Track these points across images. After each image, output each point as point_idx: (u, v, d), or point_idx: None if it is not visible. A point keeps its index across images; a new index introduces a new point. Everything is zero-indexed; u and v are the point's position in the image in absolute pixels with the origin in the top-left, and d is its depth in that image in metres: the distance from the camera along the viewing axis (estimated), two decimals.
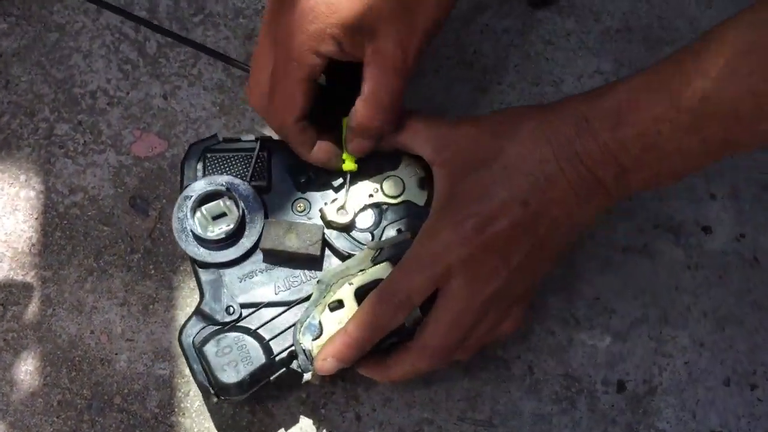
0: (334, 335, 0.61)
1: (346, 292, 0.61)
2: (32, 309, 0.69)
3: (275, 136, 0.66)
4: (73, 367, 0.68)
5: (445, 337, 0.60)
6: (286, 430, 0.67)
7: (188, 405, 0.68)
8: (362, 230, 0.64)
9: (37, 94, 0.74)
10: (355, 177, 0.64)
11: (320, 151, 0.63)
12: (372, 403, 0.68)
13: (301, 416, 0.68)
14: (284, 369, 0.62)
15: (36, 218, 0.71)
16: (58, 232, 0.71)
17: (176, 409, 0.67)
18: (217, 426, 0.67)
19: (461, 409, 0.68)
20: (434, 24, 0.59)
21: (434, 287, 0.59)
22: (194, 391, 0.68)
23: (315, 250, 0.62)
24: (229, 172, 0.64)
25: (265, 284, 0.63)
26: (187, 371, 0.67)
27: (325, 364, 0.60)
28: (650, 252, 0.72)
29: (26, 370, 0.68)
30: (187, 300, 0.70)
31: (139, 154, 0.73)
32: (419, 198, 0.64)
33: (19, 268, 0.70)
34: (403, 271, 0.60)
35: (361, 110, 0.60)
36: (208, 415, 0.67)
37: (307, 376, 0.62)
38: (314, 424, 0.68)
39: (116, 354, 0.69)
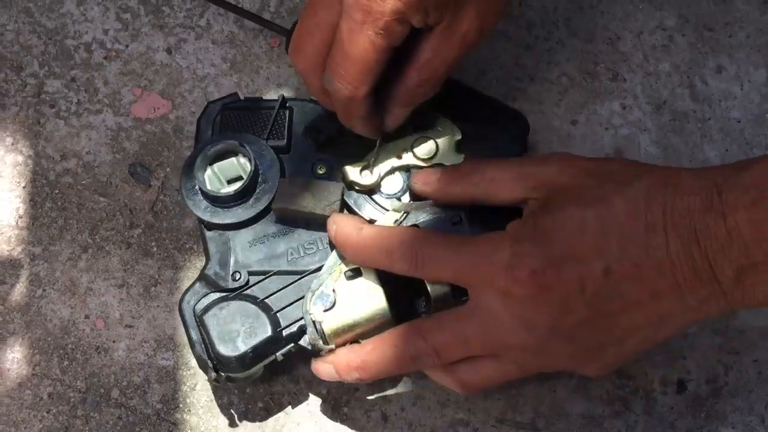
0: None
1: None
2: (19, 289, 0.64)
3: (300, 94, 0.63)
4: (66, 356, 0.63)
5: (476, 384, 0.57)
6: (303, 429, 0.61)
7: (195, 400, 0.63)
8: (389, 196, 0.60)
9: (24, 45, 0.68)
10: (385, 137, 0.61)
11: (374, 125, 0.59)
12: (401, 402, 0.63)
13: (321, 415, 0.63)
14: (292, 345, 0.58)
15: (24, 187, 0.66)
16: (48, 202, 0.66)
17: (181, 405, 0.62)
18: (227, 423, 0.62)
19: (500, 410, 0.63)
20: (506, 7, 0.57)
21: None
22: (201, 385, 0.63)
23: (332, 211, 0.58)
24: (245, 129, 0.61)
25: (277, 250, 0.59)
26: (194, 362, 0.62)
27: (322, 371, 0.57)
28: None
29: (13, 358, 0.63)
30: None
31: (139, 116, 0.68)
32: (454, 162, 0.60)
33: (4, 243, 0.65)
34: (438, 327, 0.55)
35: (414, 78, 0.56)
36: (217, 411, 0.62)
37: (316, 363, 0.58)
38: (335, 423, 0.62)
39: (114, 342, 0.64)
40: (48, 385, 0.62)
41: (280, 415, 0.62)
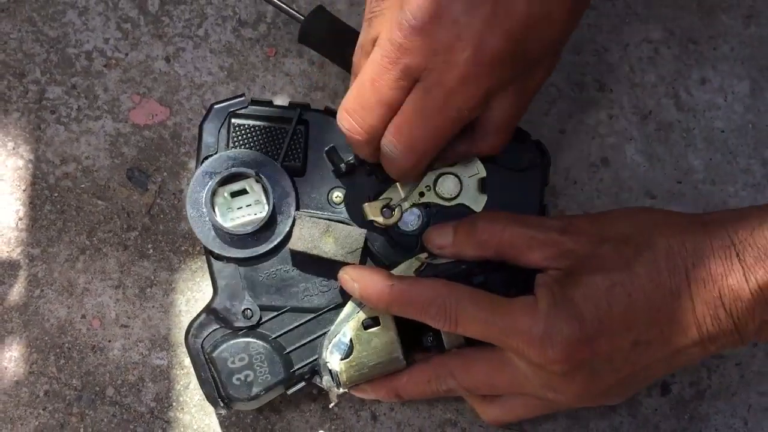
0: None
1: None
2: (18, 289, 0.65)
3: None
4: (62, 355, 0.64)
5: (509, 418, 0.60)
6: (294, 429, 0.62)
7: (187, 399, 0.63)
8: (406, 233, 0.58)
9: (27, 53, 0.69)
10: None
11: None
12: (390, 402, 0.63)
13: (312, 414, 0.63)
14: (303, 384, 0.58)
15: (24, 190, 0.67)
16: (47, 205, 0.67)
17: (174, 403, 0.63)
18: (219, 423, 0.63)
19: None
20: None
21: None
22: (194, 384, 0.64)
23: (354, 259, 0.56)
24: (256, 145, 0.58)
25: (291, 286, 0.57)
26: (187, 362, 0.63)
27: (362, 396, 0.60)
28: None
29: (10, 356, 0.64)
30: (188, 283, 0.65)
31: (138, 122, 0.68)
32: (476, 203, 0.58)
33: (4, 244, 0.66)
34: (469, 370, 0.56)
35: (482, 143, 0.56)
36: (209, 410, 0.63)
37: (334, 400, 0.59)
38: (326, 422, 0.63)
39: (109, 341, 0.64)
40: (44, 383, 0.63)
41: (271, 414, 0.63)
